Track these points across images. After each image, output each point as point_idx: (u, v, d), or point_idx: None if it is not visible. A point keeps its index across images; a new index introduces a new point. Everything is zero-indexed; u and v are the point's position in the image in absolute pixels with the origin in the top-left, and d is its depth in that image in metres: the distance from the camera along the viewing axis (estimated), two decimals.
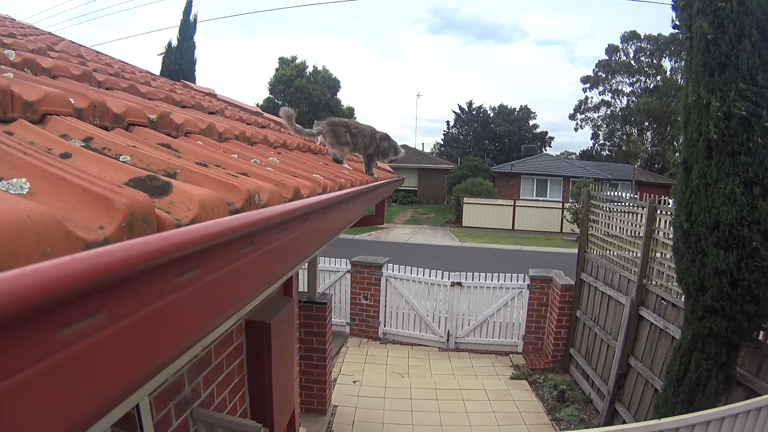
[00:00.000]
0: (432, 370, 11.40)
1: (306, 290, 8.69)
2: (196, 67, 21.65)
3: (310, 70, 44.04)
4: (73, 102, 1.74)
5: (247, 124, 4.90)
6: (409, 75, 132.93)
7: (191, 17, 21.64)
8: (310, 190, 1.93)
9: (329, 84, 43.54)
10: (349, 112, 43.85)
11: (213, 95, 7.42)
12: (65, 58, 3.62)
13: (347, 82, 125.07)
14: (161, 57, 21.06)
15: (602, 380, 9.50)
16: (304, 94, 40.56)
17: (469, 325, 12.69)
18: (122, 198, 0.86)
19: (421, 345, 12.95)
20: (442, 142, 69.69)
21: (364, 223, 5.45)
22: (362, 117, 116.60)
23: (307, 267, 8.92)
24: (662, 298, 8.03)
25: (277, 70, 44.39)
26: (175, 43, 21.09)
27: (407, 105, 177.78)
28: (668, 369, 6.79)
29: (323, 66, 44.47)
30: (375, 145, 4.62)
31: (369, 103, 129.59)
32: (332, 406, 9.12)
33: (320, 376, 8.58)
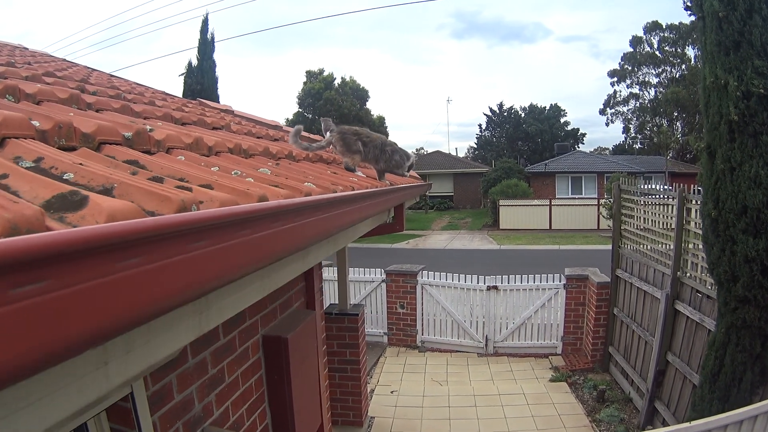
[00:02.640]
0: (471, 377, 11.25)
1: (338, 302, 8.66)
2: (218, 85, 21.66)
3: (338, 81, 44.04)
4: (36, 124, 1.73)
5: (257, 137, 4.86)
6: (437, 81, 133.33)
7: (208, 36, 21.68)
8: (284, 197, 1.86)
9: (358, 94, 43.50)
10: (380, 122, 43.73)
11: (230, 111, 7.41)
12: (61, 83, 3.57)
13: (376, 92, 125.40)
14: (182, 77, 21.15)
15: (641, 378, 9.26)
16: (334, 106, 40.51)
17: (507, 328, 12.53)
18: (6, 213, 0.85)
19: (460, 351, 12.82)
20: (475, 146, 69.98)
21: (381, 231, 5.33)
22: (393, 125, 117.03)
23: (337, 278, 8.89)
24: (697, 291, 7.77)
25: (304, 83, 44.49)
26: (195, 62, 21.15)
27: (438, 111, 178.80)
28: (703, 364, 6.59)
29: (351, 77, 44.60)
30: (386, 158, 4.57)
31: (399, 111, 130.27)
32: (369, 418, 9.01)
33: (355, 388, 8.49)
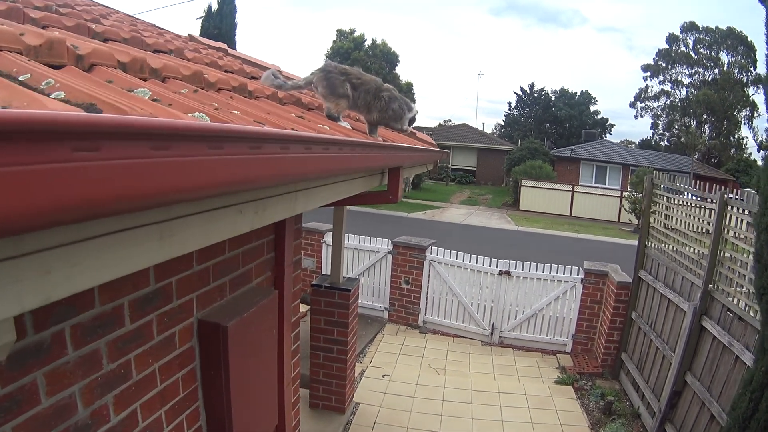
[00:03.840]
0: (471, 367, 10.38)
1: (329, 274, 7.85)
2: (236, 31, 20.97)
3: (368, 43, 42.88)
4: None
5: (225, 71, 3.94)
6: (470, 55, 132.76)
7: None
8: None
9: (387, 58, 42.38)
10: (408, 87, 42.61)
11: (224, 50, 6.54)
12: None
13: (406, 58, 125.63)
14: (200, 21, 20.48)
15: (654, 395, 8.29)
16: (362, 67, 39.28)
17: (515, 318, 11.62)
18: None
19: (463, 337, 11.95)
20: (503, 123, 69.54)
21: (370, 201, 4.47)
22: (421, 95, 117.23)
23: (331, 246, 8.05)
24: (728, 309, 6.80)
25: (334, 42, 43.42)
26: (215, 6, 20.42)
27: (468, 85, 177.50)
28: (734, 404, 5.57)
29: (382, 40, 43.36)
30: (380, 107, 3.61)
31: (429, 80, 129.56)
32: (354, 404, 8.23)
33: (340, 371, 7.73)
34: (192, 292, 3.27)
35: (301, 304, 5.56)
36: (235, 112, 1.99)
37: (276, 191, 2.06)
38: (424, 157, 5.16)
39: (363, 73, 3.67)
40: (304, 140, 1.62)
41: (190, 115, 1.55)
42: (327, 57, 42.10)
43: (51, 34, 1.89)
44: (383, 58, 41.82)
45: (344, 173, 2.71)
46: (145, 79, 2.13)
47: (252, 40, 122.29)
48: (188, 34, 6.83)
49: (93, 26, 3.00)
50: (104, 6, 6.58)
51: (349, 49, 40.94)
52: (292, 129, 1.98)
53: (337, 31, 44.45)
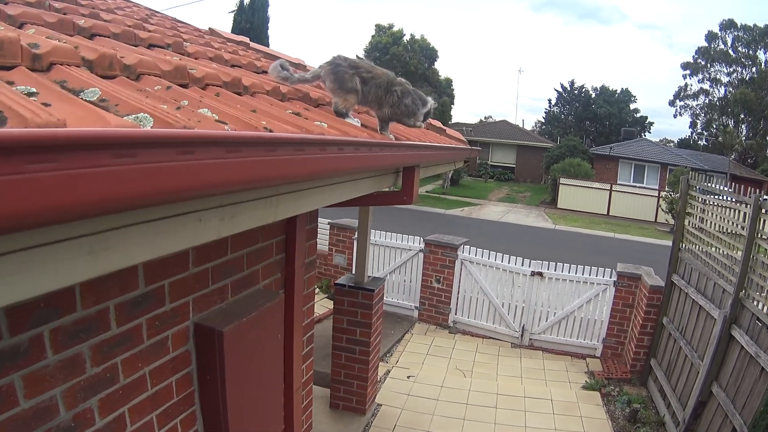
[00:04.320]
0: (499, 370, 10.16)
1: (354, 273, 7.68)
2: (269, 25, 20.89)
3: (407, 38, 42.51)
4: None
5: (232, 66, 3.78)
6: (511, 51, 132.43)
7: None
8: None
9: (426, 53, 42.07)
10: (447, 84, 42.43)
11: (245, 44, 6.39)
12: None
13: (446, 54, 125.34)
14: (232, 14, 20.47)
15: (679, 403, 7.99)
16: (400, 63, 39.26)
17: (546, 320, 11.38)
18: None
19: (493, 338, 11.74)
20: (543, 120, 69.20)
21: (381, 202, 4.29)
22: (461, 91, 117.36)
23: (356, 244, 7.90)
24: (758, 318, 6.53)
25: (372, 36, 43.09)
26: (247, 0, 20.35)
27: (509, 81, 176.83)
28: (755, 421, 5.32)
29: (421, 35, 43.03)
30: (392, 102, 3.38)
31: (469, 76, 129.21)
32: (375, 405, 8.07)
33: (362, 372, 7.58)
34: (188, 295, 3.15)
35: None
36: (203, 110, 1.83)
37: (247, 196, 1.90)
38: (445, 155, 4.94)
39: (374, 67, 3.46)
40: (247, 141, 1.45)
41: (127, 117, 1.41)
42: (365, 52, 42.08)
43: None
44: (422, 54, 41.57)
45: (339, 175, 2.53)
46: (112, 77, 2.00)
47: (288, 35, 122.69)
48: (209, 28, 6.70)
49: (81, 22, 2.89)
50: None
51: (387, 44, 40.76)
52: (265, 127, 1.80)
53: (376, 25, 44.35)
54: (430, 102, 3.62)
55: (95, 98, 1.53)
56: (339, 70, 3.26)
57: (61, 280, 1.25)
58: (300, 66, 5.61)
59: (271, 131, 1.77)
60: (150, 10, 6.83)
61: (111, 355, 2.61)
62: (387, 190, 4.01)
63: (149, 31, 3.63)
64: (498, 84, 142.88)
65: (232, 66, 3.74)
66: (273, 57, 6.04)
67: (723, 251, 7.86)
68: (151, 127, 1.37)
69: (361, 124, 3.35)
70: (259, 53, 6.12)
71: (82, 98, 1.49)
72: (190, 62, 2.89)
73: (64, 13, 3.19)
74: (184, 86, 2.31)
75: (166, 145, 1.14)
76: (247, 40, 6.67)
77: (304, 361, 4.76)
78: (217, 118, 1.77)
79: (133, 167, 1.07)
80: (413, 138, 3.96)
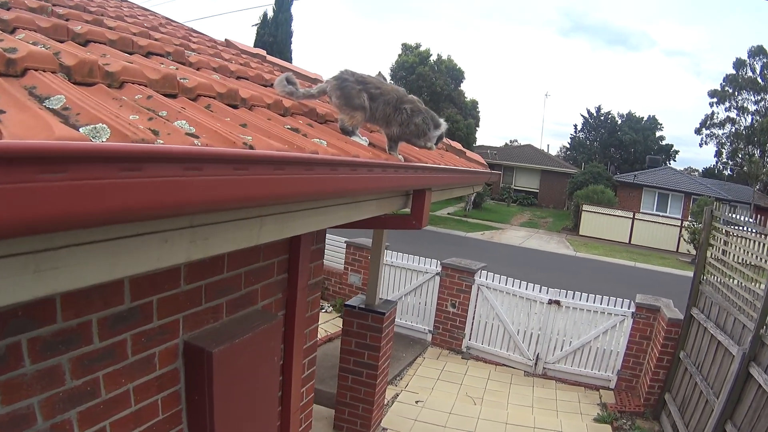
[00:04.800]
0: (510, 399, 9.94)
1: (366, 295, 7.55)
2: (292, 40, 20.93)
3: (434, 58, 42.44)
4: None
5: (237, 78, 3.66)
6: (537, 75, 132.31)
7: None
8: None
9: (453, 74, 42.01)
10: (473, 105, 42.30)
11: (262, 57, 6.31)
12: None
13: (472, 75, 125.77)
14: (255, 28, 20.52)
15: None
16: (426, 83, 39.19)
17: (561, 349, 11.16)
18: None
19: (506, 366, 11.54)
20: (568, 146, 68.93)
21: (387, 225, 4.17)
22: (486, 113, 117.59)
23: (369, 266, 7.76)
24: None
25: (399, 55, 43.03)
26: (271, 14, 20.40)
27: (535, 105, 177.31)
28: None
29: (448, 56, 42.95)
30: (401, 120, 3.24)
31: (495, 99, 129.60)
32: (381, 429, 7.90)
33: (368, 395, 7.42)
34: (178, 312, 3.03)
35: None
36: (180, 123, 1.71)
37: (223, 217, 1.78)
38: (460, 179, 4.81)
39: (383, 83, 3.31)
40: (212, 158, 1.32)
41: (84, 127, 1.33)
42: (391, 70, 42.06)
43: None
44: (448, 74, 41.57)
45: (333, 197, 2.39)
46: (91, 84, 1.91)
47: (313, 51, 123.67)
48: (225, 39, 6.63)
49: (77, 28, 2.80)
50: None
51: (414, 64, 40.70)
52: (245, 143, 1.67)
53: (402, 44, 44.35)
54: (444, 125, 3.47)
55: (58, 106, 1.45)
56: (346, 85, 3.13)
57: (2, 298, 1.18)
58: (316, 81, 5.50)
59: (251, 147, 1.64)
60: (167, 19, 6.79)
61: (92, 369, 2.53)
62: (394, 213, 3.86)
63: (153, 39, 3.54)
64: (524, 108, 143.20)
65: (237, 78, 3.64)
66: (288, 70, 5.96)
67: (744, 285, 7.63)
68: (107, 140, 1.28)
69: (370, 144, 3.21)
70: (274, 66, 6.04)
71: (45, 106, 1.43)
72: (186, 72, 2.79)
73: (66, 19, 3.14)
74: (173, 96, 2.21)
75: (104, 161, 1.03)
76: (263, 52, 6.59)
77: (303, 384, 4.62)
78: (192, 131, 1.66)
79: (60, 184, 0.98)
80: (426, 159, 3.82)
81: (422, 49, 42.61)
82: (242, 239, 1.93)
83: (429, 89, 39.31)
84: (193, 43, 4.78)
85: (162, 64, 2.84)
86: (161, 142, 1.44)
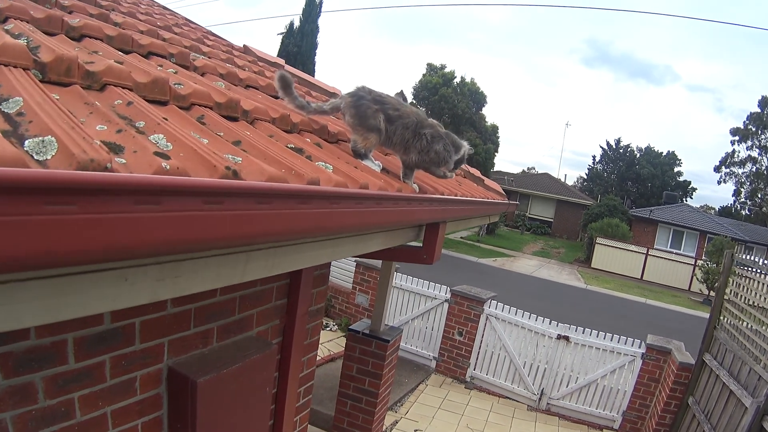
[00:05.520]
0: None
1: (371, 320, 7.36)
2: (317, 51, 20.80)
3: (457, 80, 42.21)
4: None
5: (246, 87, 3.43)
6: (559, 104, 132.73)
7: None
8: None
9: (475, 98, 41.76)
10: (493, 130, 42.02)
11: (279, 65, 6.10)
12: None
13: (494, 100, 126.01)
14: (281, 37, 20.50)
15: None
16: (448, 105, 39.02)
17: (567, 386, 10.94)
18: None
19: (509, 399, 11.30)
20: (585, 177, 68.56)
21: (396, 258, 3.92)
22: (506, 138, 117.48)
23: (377, 291, 7.54)
24: None
25: (423, 75, 42.77)
26: (297, 24, 20.35)
27: (554, 133, 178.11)
28: None
29: (471, 78, 42.69)
30: (421, 147, 2.97)
31: (515, 124, 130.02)
32: None
33: (366, 422, 7.19)
34: (162, 336, 2.83)
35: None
36: (155, 137, 1.47)
37: (195, 253, 1.53)
38: (477, 210, 4.58)
39: (402, 104, 3.04)
40: (169, 190, 1.09)
41: (30, 140, 1.17)
42: (414, 90, 41.93)
43: None
44: (471, 97, 41.36)
45: (329, 233, 2.13)
46: (66, 85, 1.72)
47: (338, 64, 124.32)
48: (243, 45, 6.44)
49: (74, 21, 2.61)
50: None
51: (437, 84, 40.56)
52: (228, 167, 1.41)
53: (428, 64, 44.18)
54: (465, 147, 3.17)
55: (12, 111, 1.27)
56: (361, 103, 2.86)
57: None
58: (334, 96, 5.29)
59: (235, 173, 1.39)
60: (186, 20, 6.63)
61: (67, 389, 2.38)
62: (403, 244, 3.60)
63: (160, 39, 3.32)
64: (544, 135, 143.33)
65: (246, 86, 3.40)
66: (307, 83, 5.77)
67: (760, 331, 7.38)
68: (51, 157, 1.09)
69: (383, 169, 2.96)
70: (294, 77, 5.81)
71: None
72: (185, 77, 2.55)
73: (70, 11, 2.99)
74: (162, 103, 2.00)
75: (27, 192, 0.85)
76: (282, 62, 6.40)
77: (297, 413, 4.40)
78: (168, 148, 1.44)
79: None
80: (442, 189, 3.55)
81: (447, 70, 42.47)
82: (223, 277, 1.70)
83: (451, 111, 39.18)
84: (206, 46, 4.57)
85: (160, 66, 2.64)
86: (122, 161, 1.23)
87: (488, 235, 39.64)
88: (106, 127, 1.42)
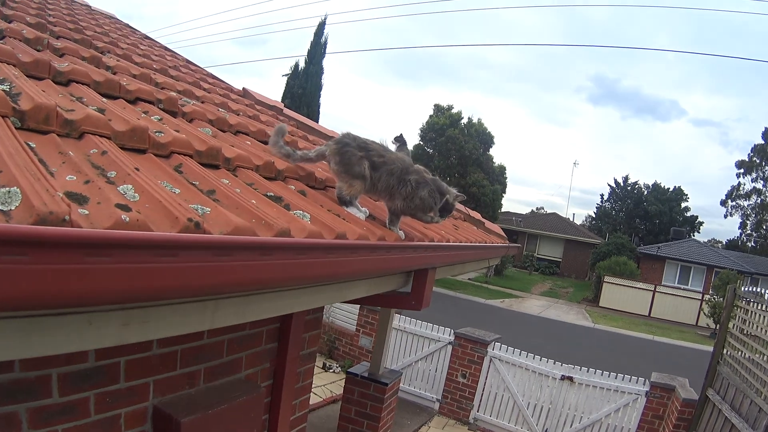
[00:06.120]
0: None
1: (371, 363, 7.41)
2: (321, 93, 20.99)
3: (464, 121, 42.23)
4: None
5: (235, 133, 3.47)
6: (566, 142, 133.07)
7: (322, 39, 21.06)
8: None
9: (482, 138, 41.62)
10: (500, 171, 41.92)
11: (278, 109, 6.19)
12: None
13: (501, 140, 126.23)
14: (285, 78, 20.70)
15: None
16: (456, 146, 38.94)
17: (571, 426, 10.83)
18: None
19: None
20: (593, 215, 68.58)
21: (383, 304, 3.93)
22: (514, 178, 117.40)
23: (377, 334, 7.57)
24: None
25: (430, 116, 42.56)
26: (302, 65, 20.54)
27: (562, 172, 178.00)
28: None
29: (478, 119, 42.49)
30: (405, 193, 2.97)
31: (522, 164, 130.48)
32: None
33: None
34: (148, 375, 2.88)
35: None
36: (123, 188, 1.52)
37: (159, 301, 1.56)
38: (470, 255, 4.60)
39: (387, 150, 3.08)
40: (121, 243, 1.14)
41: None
42: (421, 131, 41.95)
43: None
44: (478, 138, 41.31)
45: (297, 284, 2.14)
46: (45, 132, 1.77)
47: (343, 105, 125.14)
48: (243, 88, 6.53)
49: (62, 66, 2.65)
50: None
51: (444, 126, 40.54)
52: (190, 218, 1.45)
53: (435, 105, 43.98)
54: (452, 193, 3.16)
55: None
56: (346, 150, 2.90)
57: None
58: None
59: (197, 225, 1.43)
60: (187, 62, 6.73)
61: (51, 422, 2.42)
62: (394, 290, 3.61)
63: (153, 83, 3.41)
64: (551, 174, 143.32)
65: (236, 132, 3.45)
66: (306, 127, 5.84)
67: (759, 362, 7.37)
68: (15, 207, 1.14)
69: (369, 215, 2.99)
70: (292, 121, 5.90)
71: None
72: (169, 124, 2.62)
73: (61, 54, 3.05)
74: (140, 151, 2.05)
75: None
76: (281, 105, 6.47)
77: None
78: (134, 199, 1.49)
79: None
80: (433, 234, 3.57)
81: (454, 111, 42.37)
82: (191, 323, 1.74)
83: (458, 152, 39.17)
84: (202, 90, 4.64)
85: (146, 112, 2.69)
86: (85, 213, 1.28)
87: (496, 276, 39.50)
88: (75, 178, 1.47)
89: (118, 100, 2.74)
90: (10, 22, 3.27)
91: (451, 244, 3.81)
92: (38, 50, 2.88)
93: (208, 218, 1.59)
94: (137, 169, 1.68)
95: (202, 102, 3.91)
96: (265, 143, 3.45)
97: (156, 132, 2.18)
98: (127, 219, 1.27)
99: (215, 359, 3.30)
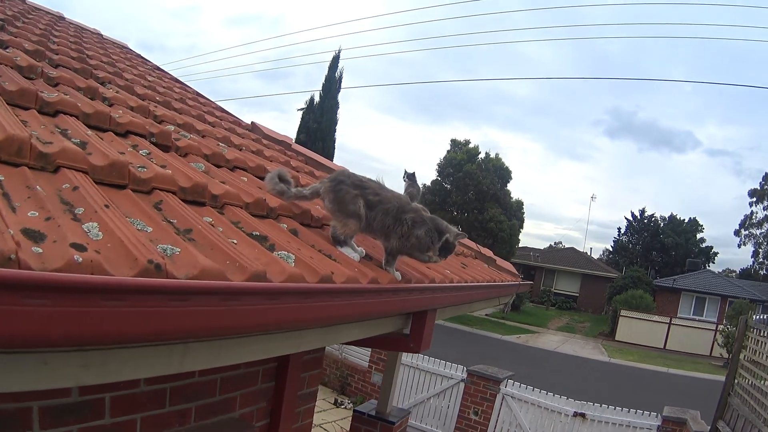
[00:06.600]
0: None
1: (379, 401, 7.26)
2: (336, 128, 21.03)
3: (482, 156, 42.23)
4: None
5: (232, 169, 3.42)
6: (583, 176, 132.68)
7: (336, 74, 21.19)
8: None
9: (500, 173, 41.51)
10: (518, 206, 41.76)
11: (286, 144, 6.15)
12: None
13: (519, 174, 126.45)
14: (301, 112, 20.82)
15: None
16: (473, 181, 38.81)
17: None
18: None
19: None
20: (611, 249, 68.25)
21: (381, 345, 3.88)
22: (531, 212, 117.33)
23: (385, 372, 7.48)
24: None
25: (448, 152, 42.42)
26: (317, 100, 20.64)
27: (579, 206, 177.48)
28: None
29: (496, 154, 42.57)
30: (401, 232, 2.87)
31: (540, 199, 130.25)
32: None
33: None
34: (135, 412, 2.83)
35: None
36: (88, 225, 1.48)
37: (117, 345, 1.49)
38: (474, 295, 4.49)
39: (384, 188, 2.99)
40: (71, 287, 1.10)
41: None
42: (439, 167, 41.94)
43: None
44: (495, 173, 41.24)
45: (268, 330, 2.04)
46: (17, 165, 1.75)
47: (360, 140, 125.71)
48: (251, 122, 6.52)
49: (51, 96, 2.62)
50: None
51: (462, 161, 40.48)
52: (150, 260, 1.40)
53: (452, 140, 43.95)
54: (452, 232, 3.06)
55: None
56: (341, 188, 2.83)
57: None
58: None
59: (158, 267, 1.39)
60: (197, 95, 6.74)
61: None
62: (393, 332, 3.52)
63: (151, 116, 3.38)
64: (568, 209, 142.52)
65: (233, 168, 3.38)
66: (314, 162, 5.82)
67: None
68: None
69: (366, 255, 2.92)
70: (298, 156, 5.87)
71: None
72: (157, 158, 2.56)
73: (56, 84, 3.02)
74: (119, 187, 2.00)
75: None
76: (289, 140, 6.43)
77: None
78: (96, 238, 1.44)
79: None
80: (434, 274, 3.47)
81: (471, 146, 42.36)
82: (157, 367, 1.65)
83: (475, 188, 39.08)
84: (205, 123, 4.61)
85: (135, 146, 2.65)
86: (39, 251, 1.25)
87: (513, 312, 39.30)
88: (38, 214, 1.44)
89: (107, 132, 2.70)
90: (5, 48, 3.27)
91: (452, 285, 3.67)
92: (30, 78, 2.85)
93: (176, 259, 1.54)
94: (107, 207, 1.63)
95: (203, 136, 3.87)
96: (263, 179, 3.40)
97: (138, 167, 2.13)
98: (80, 260, 1.24)
99: (207, 398, 3.26)
